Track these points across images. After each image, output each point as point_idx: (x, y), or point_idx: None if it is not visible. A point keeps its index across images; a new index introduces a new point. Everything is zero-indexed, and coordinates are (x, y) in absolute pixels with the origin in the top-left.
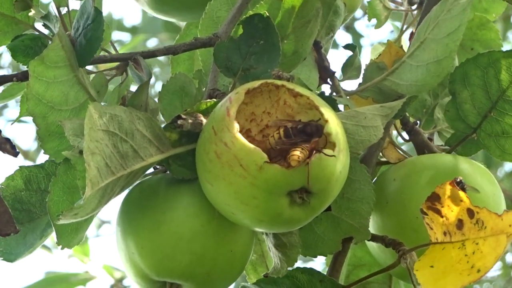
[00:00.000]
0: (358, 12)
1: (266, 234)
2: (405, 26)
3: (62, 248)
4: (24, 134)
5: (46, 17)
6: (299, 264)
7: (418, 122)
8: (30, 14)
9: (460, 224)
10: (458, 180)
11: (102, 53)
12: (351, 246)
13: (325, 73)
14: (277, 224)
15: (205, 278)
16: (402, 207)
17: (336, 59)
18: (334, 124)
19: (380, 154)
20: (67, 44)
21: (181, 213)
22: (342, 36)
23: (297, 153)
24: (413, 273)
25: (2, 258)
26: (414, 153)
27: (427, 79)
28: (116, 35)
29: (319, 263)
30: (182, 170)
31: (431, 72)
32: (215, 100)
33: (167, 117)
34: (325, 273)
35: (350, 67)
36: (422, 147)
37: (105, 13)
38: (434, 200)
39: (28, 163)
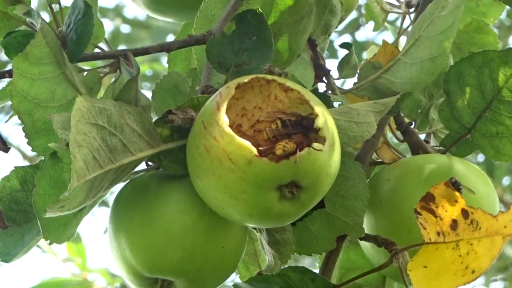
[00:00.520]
0: None
1: (260, 231)
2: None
3: (50, 244)
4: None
5: (28, 14)
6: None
7: (413, 122)
8: (14, 11)
9: (454, 224)
10: (454, 180)
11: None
12: (345, 248)
13: (320, 72)
14: (267, 219)
15: (196, 274)
16: (396, 207)
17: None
18: (324, 119)
19: (375, 154)
20: (52, 40)
21: (172, 210)
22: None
23: (283, 143)
24: (406, 273)
25: (0, 259)
26: (409, 154)
27: (421, 77)
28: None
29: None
30: (173, 166)
31: (425, 69)
32: (206, 95)
33: (160, 115)
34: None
35: (346, 65)
36: (417, 148)
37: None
38: (428, 200)
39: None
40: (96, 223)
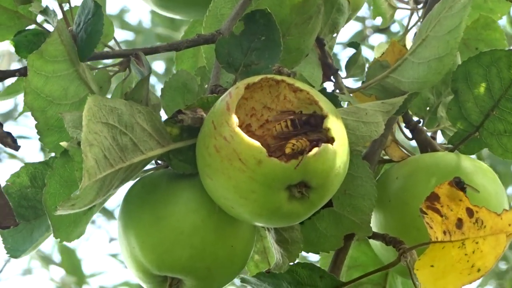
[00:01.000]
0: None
1: (268, 229)
2: (410, 24)
3: (60, 242)
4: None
5: (44, 12)
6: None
7: (421, 120)
8: (30, 9)
9: (459, 223)
10: (457, 179)
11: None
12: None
13: (328, 71)
14: (276, 218)
15: (205, 272)
16: (405, 205)
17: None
18: (333, 119)
19: (384, 152)
20: (67, 39)
21: (181, 208)
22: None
23: (293, 141)
24: (414, 272)
25: (9, 255)
26: (417, 152)
27: (428, 76)
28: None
29: None
30: (183, 165)
31: (432, 69)
32: (215, 95)
33: (169, 113)
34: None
35: (353, 65)
36: (425, 146)
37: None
38: (433, 199)
39: None
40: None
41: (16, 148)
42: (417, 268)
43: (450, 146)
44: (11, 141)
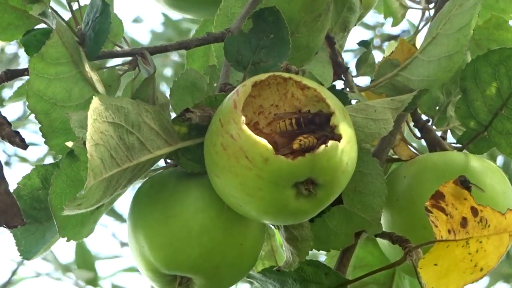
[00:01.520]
0: None
1: (278, 227)
2: (421, 24)
3: (68, 241)
4: None
5: (43, 14)
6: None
7: (431, 119)
8: (30, 12)
9: (464, 222)
10: (462, 178)
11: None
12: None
13: (339, 69)
14: (283, 216)
15: (214, 271)
16: (412, 204)
17: None
18: (341, 116)
19: (392, 151)
20: (69, 40)
21: (190, 207)
22: None
23: (301, 138)
24: (418, 271)
25: (21, 256)
26: (426, 151)
27: (438, 74)
28: None
29: None
30: (191, 164)
31: (442, 67)
32: (224, 93)
33: (178, 112)
34: None
35: (364, 63)
36: (434, 145)
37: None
38: (438, 198)
39: None
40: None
41: (24, 147)
42: (420, 267)
43: (459, 145)
44: (19, 140)
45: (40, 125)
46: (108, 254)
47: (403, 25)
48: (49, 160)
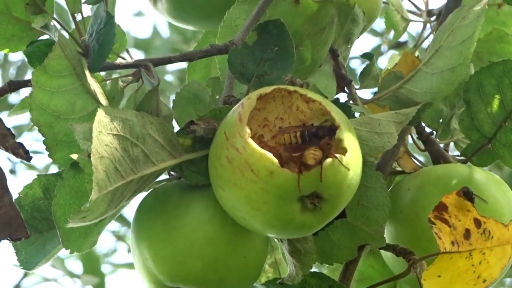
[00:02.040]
0: None
1: (281, 240)
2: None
3: (71, 252)
4: None
5: (45, 27)
6: None
7: (434, 132)
8: (32, 25)
9: (467, 234)
10: (465, 190)
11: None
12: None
13: (342, 82)
14: (288, 230)
15: (218, 284)
16: (416, 216)
17: None
18: (346, 130)
19: (396, 163)
20: (71, 53)
21: (194, 219)
22: None
23: (312, 151)
24: (422, 282)
25: (22, 267)
26: (430, 163)
27: (441, 87)
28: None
29: None
30: (195, 176)
31: (445, 79)
32: (228, 106)
33: (181, 124)
34: None
35: (367, 75)
36: (438, 157)
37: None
38: (441, 209)
39: None
40: None
41: (28, 159)
42: (424, 278)
43: (462, 158)
44: (22, 152)
45: (43, 138)
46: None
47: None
48: (55, 168)
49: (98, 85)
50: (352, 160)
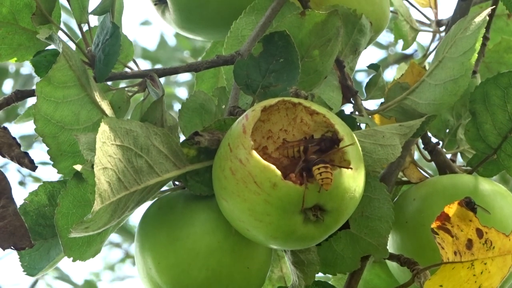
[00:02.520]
0: None
1: (285, 251)
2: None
3: (73, 261)
4: None
5: (50, 38)
6: None
7: (441, 142)
8: (37, 36)
9: (469, 244)
10: (467, 200)
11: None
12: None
13: (348, 92)
14: (291, 241)
15: None
16: (421, 226)
17: None
18: (349, 142)
19: (402, 173)
20: (76, 64)
21: (198, 229)
22: None
23: (314, 163)
24: None
25: (25, 273)
26: (436, 174)
27: (444, 98)
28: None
29: None
30: (199, 186)
31: (448, 90)
32: (233, 117)
33: (187, 134)
34: None
35: (373, 86)
36: (444, 167)
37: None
38: (443, 219)
39: None
40: None
41: (33, 168)
42: None
43: (468, 168)
44: (28, 162)
45: (48, 148)
46: None
47: (416, 45)
48: None
49: (103, 96)
50: (355, 172)
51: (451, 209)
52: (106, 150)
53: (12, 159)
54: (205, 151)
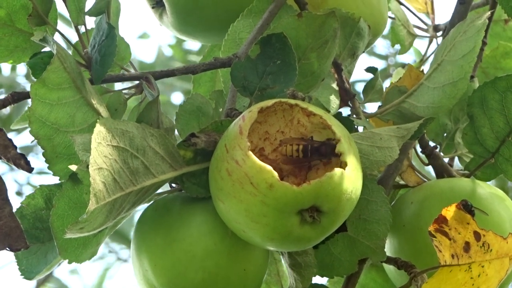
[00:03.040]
0: None
1: (282, 253)
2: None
3: (69, 263)
4: None
5: (44, 40)
6: None
7: (438, 146)
8: (32, 38)
9: (467, 246)
10: (464, 202)
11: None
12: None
13: (345, 95)
14: (287, 243)
15: None
16: (419, 230)
17: None
18: (346, 144)
19: (399, 177)
20: (71, 65)
21: (194, 231)
22: None
23: (312, 165)
24: None
25: (23, 276)
26: (433, 177)
27: (443, 101)
28: None
29: None
30: (196, 188)
31: (446, 93)
32: (229, 118)
33: (184, 136)
34: None
35: (371, 90)
36: (441, 171)
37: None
38: (441, 222)
39: None
40: None
41: (29, 170)
42: None
43: (466, 172)
44: (24, 163)
45: (43, 151)
46: None
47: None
48: None
49: (99, 97)
50: (351, 174)
51: (449, 212)
52: (101, 151)
53: (8, 161)
54: (201, 153)
